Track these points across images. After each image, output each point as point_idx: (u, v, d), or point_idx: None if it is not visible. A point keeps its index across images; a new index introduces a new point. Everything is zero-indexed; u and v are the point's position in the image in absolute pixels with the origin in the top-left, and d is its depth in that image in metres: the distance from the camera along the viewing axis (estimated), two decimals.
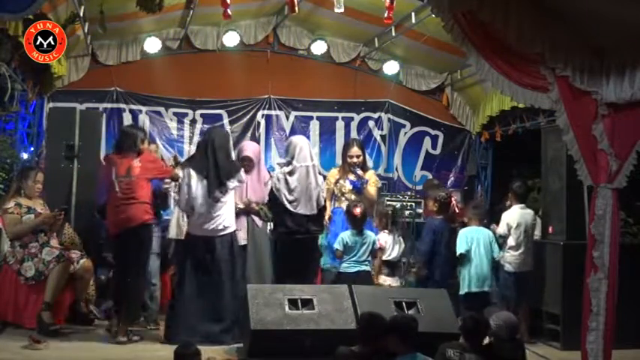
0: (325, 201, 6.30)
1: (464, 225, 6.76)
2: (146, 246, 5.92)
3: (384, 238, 6.58)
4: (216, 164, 5.89)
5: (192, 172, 5.92)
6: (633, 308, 5.69)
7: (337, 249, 6.15)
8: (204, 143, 6.05)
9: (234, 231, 6.04)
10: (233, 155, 6.17)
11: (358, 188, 6.61)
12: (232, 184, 5.93)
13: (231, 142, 6.19)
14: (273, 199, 6.04)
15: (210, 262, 5.86)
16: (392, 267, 6.65)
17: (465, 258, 6.43)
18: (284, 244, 6.07)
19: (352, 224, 6.18)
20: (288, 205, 5.93)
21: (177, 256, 6.29)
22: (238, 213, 6.15)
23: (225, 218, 5.92)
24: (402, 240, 6.81)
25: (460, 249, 6.44)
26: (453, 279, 6.52)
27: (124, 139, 6.03)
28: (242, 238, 6.22)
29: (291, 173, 5.99)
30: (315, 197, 6.00)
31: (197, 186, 5.88)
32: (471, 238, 6.48)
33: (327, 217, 6.51)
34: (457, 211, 6.49)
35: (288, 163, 6.06)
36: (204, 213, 5.86)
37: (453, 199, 6.40)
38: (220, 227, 5.90)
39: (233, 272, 5.91)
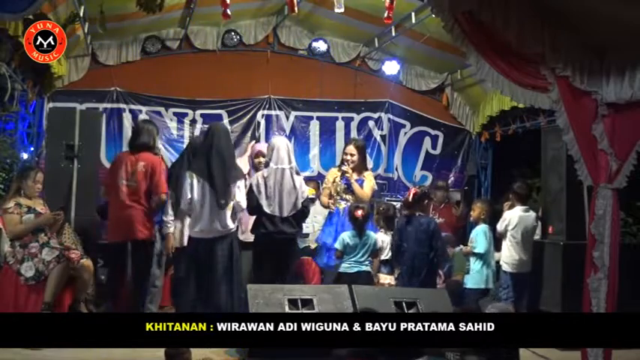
0: (308, 202, 6.25)
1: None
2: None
3: (382, 238, 6.58)
4: (223, 168, 5.89)
5: (193, 174, 5.92)
6: (633, 308, 5.68)
7: (337, 249, 6.16)
8: (208, 144, 6.01)
9: (234, 231, 6.04)
10: (236, 155, 6.18)
11: (348, 185, 6.62)
12: (235, 188, 5.93)
13: (231, 141, 6.20)
14: (250, 200, 6.04)
15: (210, 264, 5.85)
16: (391, 265, 6.65)
17: (483, 256, 6.55)
18: (261, 245, 6.10)
19: (353, 226, 6.20)
20: (265, 207, 5.98)
21: (178, 260, 6.31)
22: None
23: (226, 219, 5.91)
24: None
25: (480, 248, 6.53)
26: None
27: (139, 134, 6.25)
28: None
29: (267, 175, 6.03)
30: (292, 200, 6.02)
31: (198, 188, 5.87)
32: (490, 237, 6.59)
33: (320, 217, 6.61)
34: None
35: (267, 165, 6.11)
36: (205, 215, 5.87)
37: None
38: (220, 228, 5.89)
39: (231, 273, 5.90)
